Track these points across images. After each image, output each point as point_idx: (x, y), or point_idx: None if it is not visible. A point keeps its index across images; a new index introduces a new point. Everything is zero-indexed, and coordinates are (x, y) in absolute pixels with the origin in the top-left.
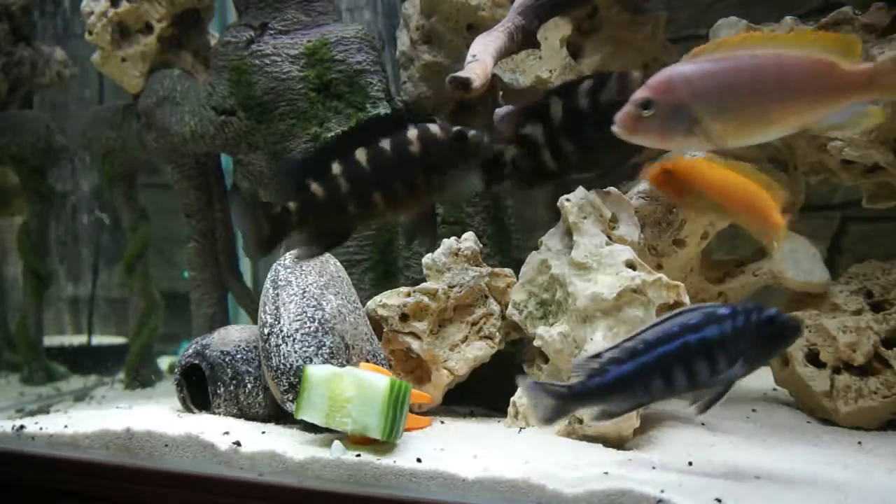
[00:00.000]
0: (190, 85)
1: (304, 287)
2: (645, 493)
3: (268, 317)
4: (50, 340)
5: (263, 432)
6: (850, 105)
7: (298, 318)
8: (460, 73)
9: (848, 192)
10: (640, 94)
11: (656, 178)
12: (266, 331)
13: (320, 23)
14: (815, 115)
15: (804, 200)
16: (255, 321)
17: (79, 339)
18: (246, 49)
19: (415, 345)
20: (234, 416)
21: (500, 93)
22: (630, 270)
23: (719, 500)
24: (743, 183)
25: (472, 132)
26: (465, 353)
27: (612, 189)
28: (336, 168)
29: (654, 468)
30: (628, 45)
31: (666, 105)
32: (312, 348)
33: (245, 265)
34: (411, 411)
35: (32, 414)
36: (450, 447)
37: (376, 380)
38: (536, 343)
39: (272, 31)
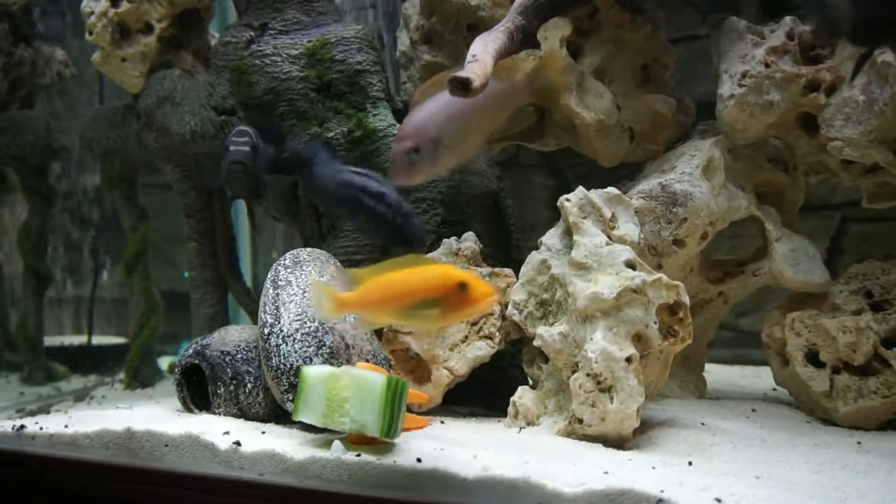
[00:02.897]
0: (190, 85)
1: (304, 287)
2: (645, 492)
3: (268, 317)
4: (50, 340)
5: (263, 432)
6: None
7: (298, 317)
8: (460, 73)
9: (848, 192)
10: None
11: None
12: (266, 331)
13: (320, 23)
14: (499, 119)
15: (804, 200)
16: (255, 321)
17: (79, 339)
18: (246, 49)
19: (414, 345)
20: (234, 416)
21: None
22: (630, 270)
23: (719, 500)
24: None
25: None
26: (465, 353)
27: (611, 189)
28: None
29: (654, 468)
30: (628, 45)
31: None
32: (312, 348)
33: (245, 265)
34: (411, 411)
35: (32, 414)
36: (450, 447)
37: (373, 377)
38: (536, 343)
39: (272, 31)
